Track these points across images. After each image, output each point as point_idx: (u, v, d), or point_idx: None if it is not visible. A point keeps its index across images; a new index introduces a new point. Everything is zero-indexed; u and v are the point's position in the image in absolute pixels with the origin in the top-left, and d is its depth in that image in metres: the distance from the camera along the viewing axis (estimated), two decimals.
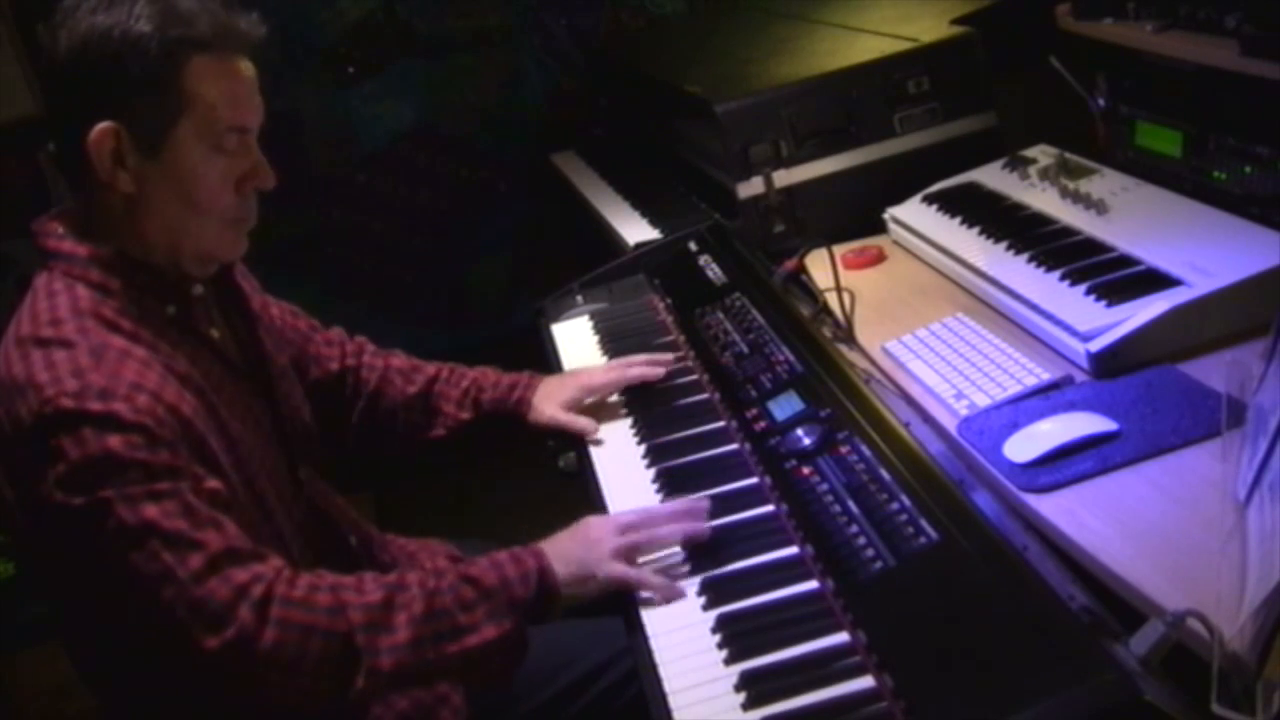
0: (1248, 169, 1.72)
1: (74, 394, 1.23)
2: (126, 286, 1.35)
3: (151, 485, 1.22)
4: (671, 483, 1.56)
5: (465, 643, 1.30)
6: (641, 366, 1.82)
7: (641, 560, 1.40)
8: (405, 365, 1.84)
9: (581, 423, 1.75)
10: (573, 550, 1.39)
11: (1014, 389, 1.56)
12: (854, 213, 2.23)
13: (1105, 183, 1.92)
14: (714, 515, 1.44)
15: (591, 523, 1.44)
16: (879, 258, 2.12)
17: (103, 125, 1.30)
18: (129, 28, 1.29)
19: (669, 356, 1.86)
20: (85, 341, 1.28)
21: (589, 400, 1.79)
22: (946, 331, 1.75)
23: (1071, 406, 1.48)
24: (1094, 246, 1.77)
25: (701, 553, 1.39)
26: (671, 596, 1.34)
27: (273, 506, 1.42)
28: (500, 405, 1.78)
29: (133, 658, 1.37)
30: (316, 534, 1.50)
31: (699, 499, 1.46)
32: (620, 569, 1.36)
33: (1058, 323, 1.63)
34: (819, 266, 1.97)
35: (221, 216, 1.38)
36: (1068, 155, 2.03)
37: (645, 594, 1.35)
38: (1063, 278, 1.71)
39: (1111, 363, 1.54)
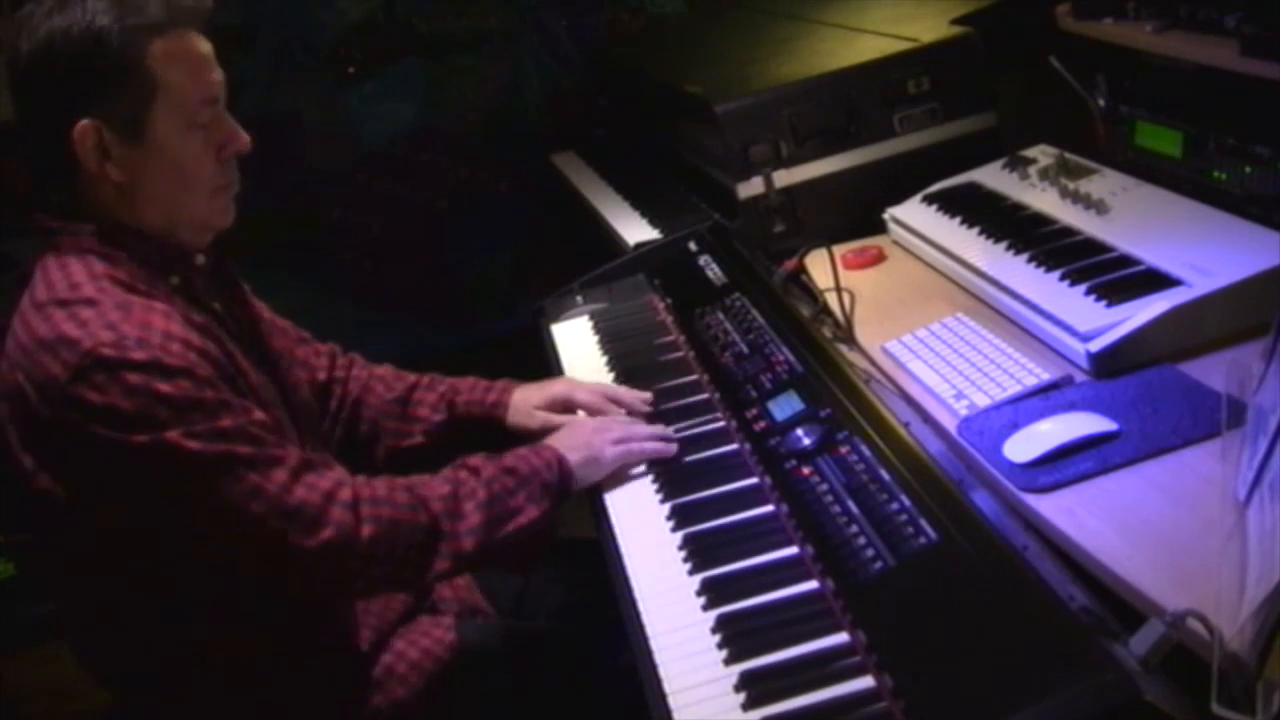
0: (1248, 169, 1.72)
1: (112, 344, 1.27)
2: (132, 257, 1.39)
3: (214, 422, 1.29)
4: (672, 482, 1.56)
5: (519, 522, 1.46)
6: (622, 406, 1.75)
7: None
8: (388, 374, 1.84)
9: (559, 420, 1.72)
10: (577, 439, 1.58)
11: (1014, 389, 1.56)
12: (854, 213, 2.22)
13: (1105, 183, 1.92)
14: (714, 514, 1.46)
15: (580, 421, 1.67)
16: (879, 258, 2.12)
17: (82, 124, 1.33)
18: (89, 24, 1.31)
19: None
20: (108, 299, 1.32)
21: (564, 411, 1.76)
22: (946, 331, 1.75)
23: (1071, 406, 1.48)
24: (1094, 246, 1.77)
25: (702, 553, 1.40)
26: (670, 452, 1.59)
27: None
28: (475, 407, 1.78)
29: (145, 636, 1.41)
30: None
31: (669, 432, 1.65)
32: (622, 448, 1.58)
33: (1058, 323, 1.63)
34: (819, 266, 1.97)
35: (208, 186, 1.43)
36: (1068, 155, 2.03)
37: (648, 452, 1.59)
38: (1063, 278, 1.71)
39: (1111, 363, 1.54)
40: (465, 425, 1.78)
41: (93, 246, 1.37)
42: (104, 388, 1.25)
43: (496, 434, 1.76)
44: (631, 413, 1.73)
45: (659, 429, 1.65)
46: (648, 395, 1.77)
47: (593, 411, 1.74)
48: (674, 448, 1.61)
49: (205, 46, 1.40)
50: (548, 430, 1.70)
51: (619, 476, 1.61)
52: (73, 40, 1.31)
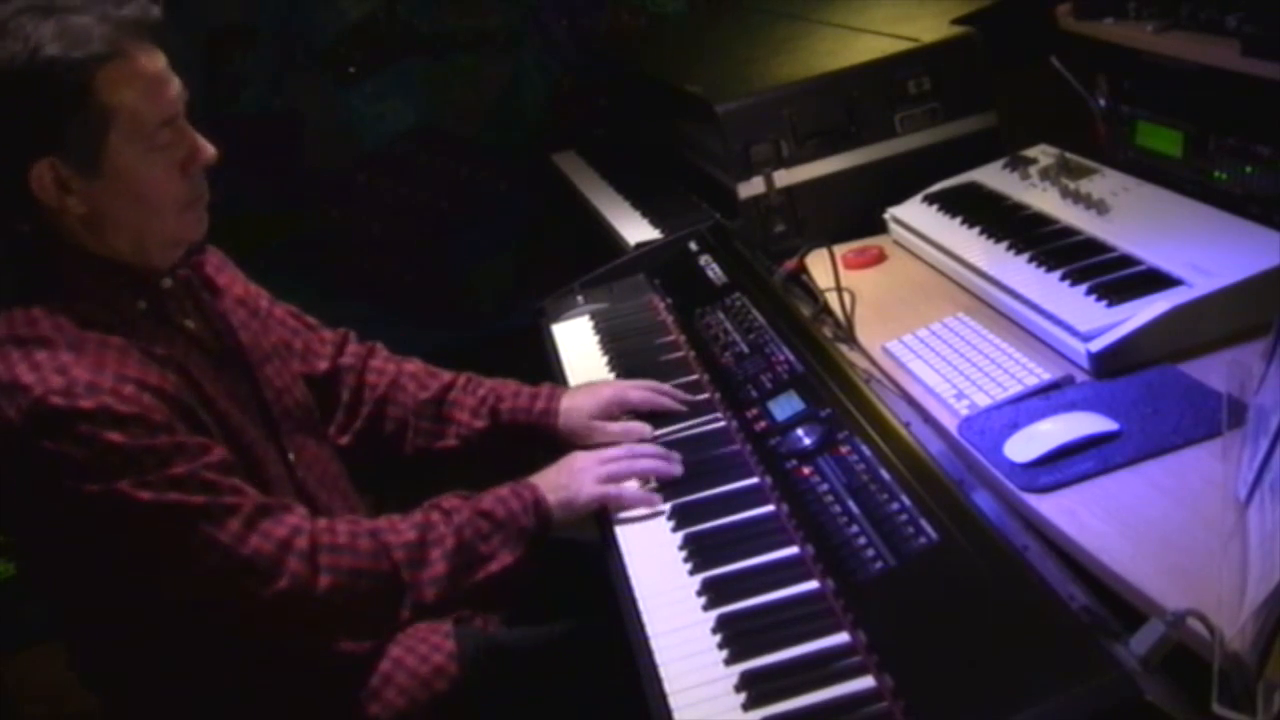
0: (1248, 169, 1.72)
1: (62, 391, 1.24)
2: (97, 288, 1.36)
3: (166, 470, 1.26)
4: (674, 482, 1.56)
5: (489, 569, 1.43)
6: (671, 399, 1.73)
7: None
8: (420, 370, 1.80)
9: (638, 429, 1.67)
10: (559, 479, 1.53)
11: (1014, 389, 1.56)
12: (854, 213, 2.23)
13: (1105, 183, 1.92)
14: (715, 514, 1.46)
15: (576, 455, 1.59)
16: (879, 258, 2.12)
17: (39, 165, 1.28)
18: (31, 56, 1.24)
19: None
20: (63, 337, 1.29)
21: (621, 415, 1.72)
22: (947, 331, 1.75)
23: (1072, 406, 1.48)
24: (1094, 246, 1.77)
25: (703, 553, 1.39)
26: (652, 504, 1.50)
27: (270, 476, 1.45)
28: (521, 415, 1.73)
29: (137, 647, 1.41)
30: None
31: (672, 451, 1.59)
32: (600, 489, 1.51)
33: (1058, 323, 1.63)
34: (819, 266, 1.97)
35: (176, 204, 1.38)
36: (1068, 155, 2.03)
37: (625, 511, 1.51)
38: (1063, 278, 1.71)
39: (1112, 363, 1.54)
40: (509, 433, 1.74)
41: (52, 280, 1.34)
42: (55, 437, 1.23)
43: (544, 440, 1.72)
44: (659, 416, 1.70)
45: (656, 462, 1.57)
46: (684, 396, 1.73)
47: (647, 410, 1.70)
48: (659, 499, 1.51)
49: (157, 63, 1.32)
50: (603, 440, 1.66)
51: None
52: (16, 76, 1.24)
